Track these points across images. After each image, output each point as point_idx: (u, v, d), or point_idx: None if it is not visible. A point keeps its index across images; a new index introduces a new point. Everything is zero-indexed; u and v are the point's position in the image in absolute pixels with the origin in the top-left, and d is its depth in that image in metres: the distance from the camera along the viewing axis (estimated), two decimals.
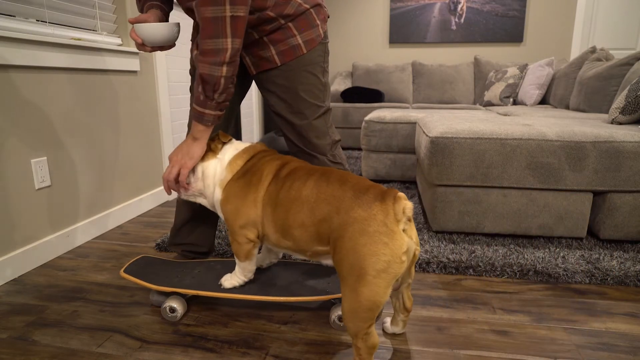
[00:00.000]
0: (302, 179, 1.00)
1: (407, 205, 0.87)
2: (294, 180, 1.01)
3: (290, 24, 1.15)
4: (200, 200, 1.18)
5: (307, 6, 1.17)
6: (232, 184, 1.09)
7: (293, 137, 1.27)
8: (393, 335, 1.12)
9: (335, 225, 0.91)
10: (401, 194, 0.89)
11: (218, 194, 1.12)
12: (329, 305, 1.26)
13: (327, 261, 1.04)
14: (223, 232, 1.78)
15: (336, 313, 1.14)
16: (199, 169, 1.14)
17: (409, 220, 0.88)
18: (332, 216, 0.92)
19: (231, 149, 1.15)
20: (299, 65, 1.19)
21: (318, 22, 1.21)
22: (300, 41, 1.17)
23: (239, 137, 1.40)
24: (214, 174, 1.13)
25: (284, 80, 1.20)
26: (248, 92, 3.71)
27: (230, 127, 1.36)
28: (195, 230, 1.38)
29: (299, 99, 1.22)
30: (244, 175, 1.09)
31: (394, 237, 0.84)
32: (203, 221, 1.38)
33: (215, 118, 1.07)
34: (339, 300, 1.18)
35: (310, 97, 1.23)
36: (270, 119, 4.12)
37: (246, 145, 1.17)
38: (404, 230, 0.87)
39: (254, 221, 1.06)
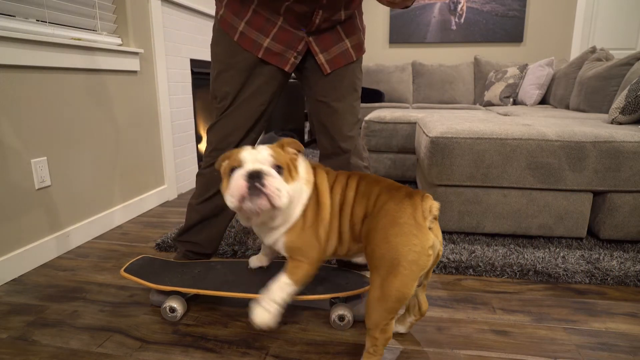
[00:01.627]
0: (352, 185, 1.04)
1: (434, 204, 0.90)
2: (342, 187, 1.04)
3: (358, 17, 1.18)
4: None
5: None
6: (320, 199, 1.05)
7: (339, 134, 1.24)
8: (393, 335, 1.12)
9: (370, 215, 0.95)
10: (429, 195, 0.93)
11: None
12: (329, 305, 1.26)
13: (359, 258, 1.07)
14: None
15: (336, 313, 1.14)
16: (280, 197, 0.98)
17: (435, 219, 0.91)
18: (370, 208, 0.97)
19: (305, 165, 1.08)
20: (360, 60, 1.23)
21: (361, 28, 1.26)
22: (363, 37, 1.21)
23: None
24: (297, 197, 1.01)
25: (351, 73, 1.20)
26: None
27: (258, 126, 1.29)
28: (205, 231, 1.36)
29: (354, 93, 1.23)
30: (332, 190, 1.06)
31: (422, 230, 0.87)
32: (215, 224, 1.36)
33: None
34: (339, 299, 1.18)
35: (359, 93, 1.26)
36: (271, 120, 4.12)
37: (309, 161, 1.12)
38: (429, 229, 0.89)
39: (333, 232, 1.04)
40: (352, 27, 1.18)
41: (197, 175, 1.33)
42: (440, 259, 1.52)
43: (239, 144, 1.26)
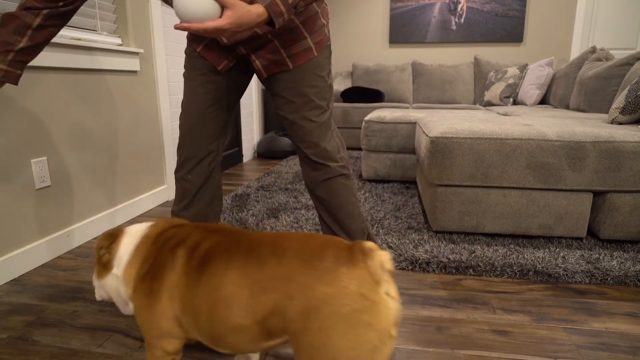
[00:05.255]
0: (221, 270, 0.72)
1: (383, 257, 0.65)
2: (210, 274, 0.72)
3: (300, 26, 1.12)
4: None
5: (316, 6, 1.14)
6: (137, 291, 0.80)
7: (302, 143, 1.22)
8: None
9: (291, 315, 0.65)
10: (372, 245, 0.67)
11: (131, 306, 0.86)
12: None
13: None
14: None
15: None
16: (101, 292, 0.87)
17: (391, 275, 0.67)
18: (284, 306, 0.66)
19: (126, 246, 0.84)
20: (309, 67, 1.16)
21: (324, 22, 1.18)
22: (311, 43, 1.14)
23: (239, 137, 1.34)
24: (118, 292, 0.84)
25: (295, 84, 1.16)
26: (248, 92, 3.71)
27: (226, 129, 1.28)
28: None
29: (309, 102, 1.18)
30: (146, 277, 0.80)
31: (377, 312, 0.62)
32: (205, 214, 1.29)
33: None
34: None
35: (320, 99, 1.20)
36: (270, 119, 4.12)
37: (143, 230, 0.86)
38: (386, 293, 0.65)
39: (170, 332, 0.78)
40: (290, 37, 1.13)
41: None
42: (440, 259, 1.52)
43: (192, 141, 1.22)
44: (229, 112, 1.25)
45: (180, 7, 0.84)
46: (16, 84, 1.07)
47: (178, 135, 2.52)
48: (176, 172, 1.23)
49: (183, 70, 2.56)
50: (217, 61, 1.16)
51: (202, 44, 1.17)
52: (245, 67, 1.24)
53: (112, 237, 0.86)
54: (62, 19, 1.08)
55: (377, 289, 0.64)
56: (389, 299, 0.65)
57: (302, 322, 0.64)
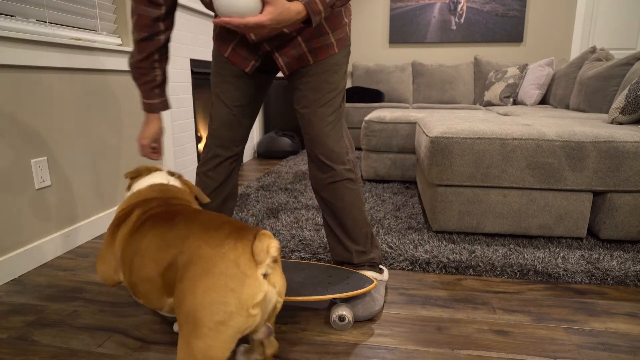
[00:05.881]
0: (146, 230, 0.87)
1: (271, 243, 0.72)
2: (139, 232, 0.88)
3: (324, 21, 1.14)
4: None
5: (340, 4, 1.15)
6: (109, 225, 1.00)
7: (312, 141, 1.22)
8: (393, 335, 1.12)
9: (179, 267, 0.77)
10: (265, 231, 0.75)
11: None
12: (329, 305, 1.26)
13: None
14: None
15: (337, 313, 1.14)
16: None
17: (275, 261, 0.73)
18: (177, 259, 0.77)
19: (136, 185, 1.09)
20: (328, 63, 1.18)
21: (347, 20, 1.20)
22: (332, 40, 1.17)
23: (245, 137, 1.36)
24: None
25: (312, 77, 1.18)
26: None
27: (249, 132, 1.33)
28: None
29: (322, 98, 1.20)
30: (117, 219, 0.99)
31: (244, 283, 0.69)
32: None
33: (141, 101, 1.20)
34: (340, 300, 1.18)
35: (333, 97, 1.21)
36: (270, 119, 4.12)
37: (153, 181, 1.08)
38: (265, 276, 0.72)
39: (113, 277, 0.97)
40: (313, 32, 1.15)
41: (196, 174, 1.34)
42: (440, 259, 1.52)
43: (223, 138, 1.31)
44: (252, 117, 1.31)
45: (223, 1, 0.86)
46: (169, 108, 1.27)
47: (187, 134, 2.53)
48: (199, 167, 1.30)
49: (188, 71, 2.56)
50: (244, 63, 1.19)
51: (230, 47, 1.19)
52: (267, 66, 1.26)
53: (137, 173, 1.10)
54: (167, 45, 1.21)
55: (252, 265, 0.70)
56: (264, 283, 0.71)
57: (182, 272, 0.75)
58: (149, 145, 1.23)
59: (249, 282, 0.69)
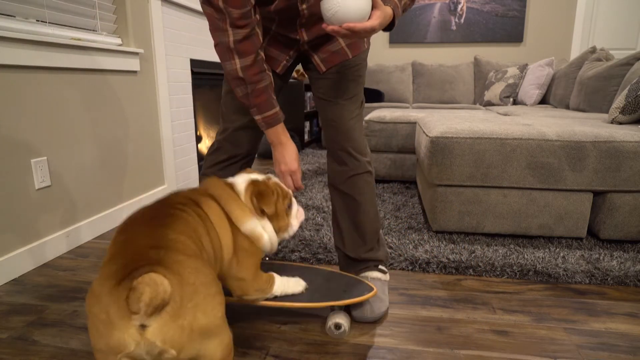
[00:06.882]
0: (125, 227, 0.84)
1: (145, 292, 0.61)
2: (123, 228, 0.86)
3: None
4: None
5: (408, 7, 1.19)
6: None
7: (339, 134, 1.23)
8: (393, 335, 1.12)
9: None
10: (151, 276, 0.63)
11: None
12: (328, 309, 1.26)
13: None
14: None
15: (333, 320, 1.12)
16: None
17: (155, 312, 0.63)
18: None
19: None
20: (361, 58, 1.22)
21: None
22: None
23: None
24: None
25: (346, 69, 1.20)
26: None
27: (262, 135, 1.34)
28: None
29: (352, 90, 1.22)
30: None
31: (111, 334, 0.64)
32: None
33: (261, 120, 1.09)
34: (339, 307, 1.16)
35: (360, 91, 1.25)
36: None
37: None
38: (143, 326, 0.64)
39: None
40: None
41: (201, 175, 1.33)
42: (440, 259, 1.52)
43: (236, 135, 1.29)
44: None
45: (348, 9, 0.87)
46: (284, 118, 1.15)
47: (187, 134, 2.53)
48: (209, 167, 1.30)
49: (188, 71, 2.56)
50: (275, 64, 1.20)
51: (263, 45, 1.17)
52: (293, 67, 1.28)
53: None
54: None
55: (124, 315, 0.63)
56: (137, 335, 0.63)
57: None
58: (299, 169, 1.14)
59: (114, 333, 0.64)
